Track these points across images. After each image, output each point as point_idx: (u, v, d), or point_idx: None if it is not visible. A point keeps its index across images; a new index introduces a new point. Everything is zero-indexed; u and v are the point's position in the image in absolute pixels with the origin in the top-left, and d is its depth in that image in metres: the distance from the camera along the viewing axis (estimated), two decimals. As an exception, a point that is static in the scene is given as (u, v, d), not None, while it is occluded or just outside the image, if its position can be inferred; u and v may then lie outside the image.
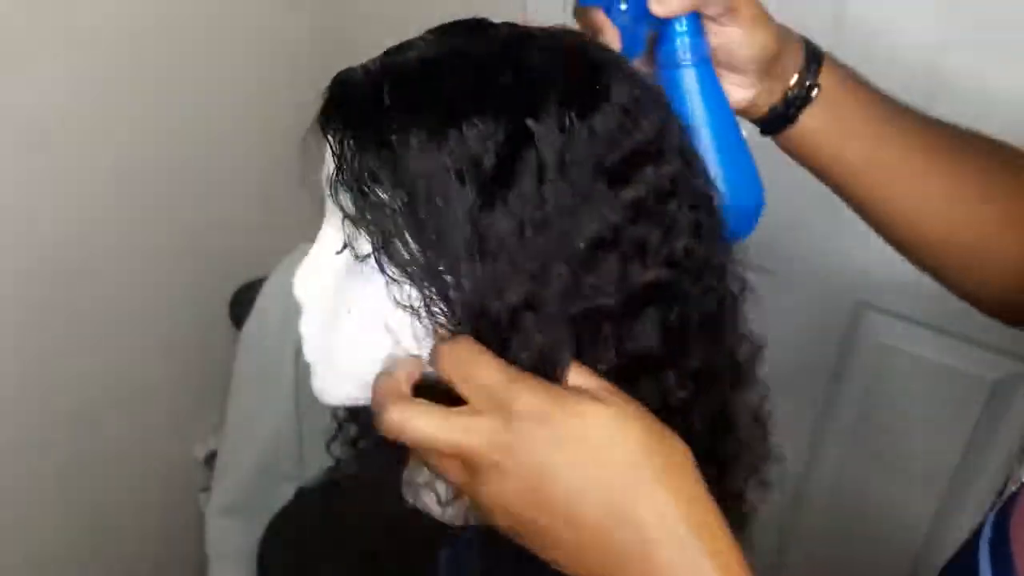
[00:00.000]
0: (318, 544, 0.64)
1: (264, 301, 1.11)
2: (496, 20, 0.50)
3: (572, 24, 0.52)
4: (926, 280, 0.98)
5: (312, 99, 0.47)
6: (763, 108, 0.56)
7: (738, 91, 0.55)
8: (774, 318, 1.17)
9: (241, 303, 1.20)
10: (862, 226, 1.03)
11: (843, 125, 0.56)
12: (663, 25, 0.50)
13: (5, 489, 1.05)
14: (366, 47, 0.50)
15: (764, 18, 0.52)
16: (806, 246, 1.04)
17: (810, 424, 1.15)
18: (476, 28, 0.47)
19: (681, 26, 0.50)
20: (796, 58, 0.55)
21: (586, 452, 0.39)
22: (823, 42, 0.57)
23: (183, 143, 1.08)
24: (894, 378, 1.05)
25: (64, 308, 1.03)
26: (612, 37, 0.51)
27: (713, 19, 0.51)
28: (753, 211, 0.54)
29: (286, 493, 1.14)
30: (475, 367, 0.41)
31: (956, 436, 1.03)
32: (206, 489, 1.22)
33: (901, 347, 1.03)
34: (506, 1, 1.04)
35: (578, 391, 0.42)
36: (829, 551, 1.21)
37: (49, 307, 1.01)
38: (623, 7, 0.50)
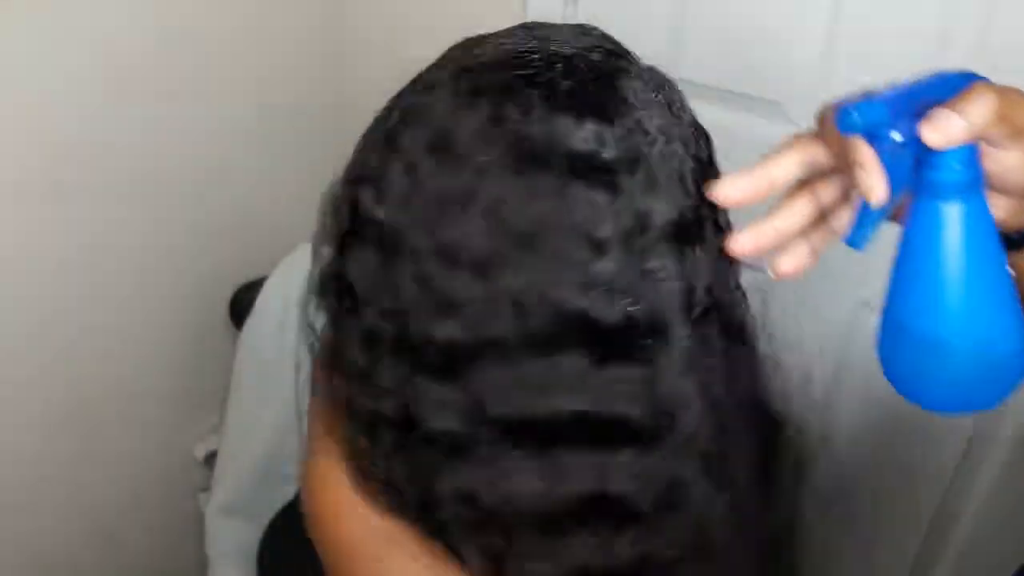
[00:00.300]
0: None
1: (264, 301, 1.11)
2: (496, 20, 0.50)
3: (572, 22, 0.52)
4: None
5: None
6: (1013, 225, 0.46)
7: (998, 212, 0.44)
8: (773, 318, 1.17)
9: (241, 303, 1.20)
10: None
11: None
12: (933, 152, 0.40)
13: (5, 489, 1.05)
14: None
15: None
16: (806, 246, 1.04)
17: (812, 425, 1.14)
18: None
19: (956, 156, 0.39)
20: None
21: None
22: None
23: (183, 143, 1.08)
24: (894, 378, 1.05)
25: (64, 308, 1.03)
26: (873, 168, 0.39)
27: (993, 143, 0.41)
28: (1015, 360, 0.43)
29: (286, 493, 1.14)
30: None
31: (956, 436, 1.03)
32: (206, 489, 1.22)
33: (901, 347, 1.02)
34: (506, 1, 1.04)
35: None
36: (828, 552, 1.21)
37: (49, 307, 1.01)
38: (897, 138, 0.39)
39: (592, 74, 0.46)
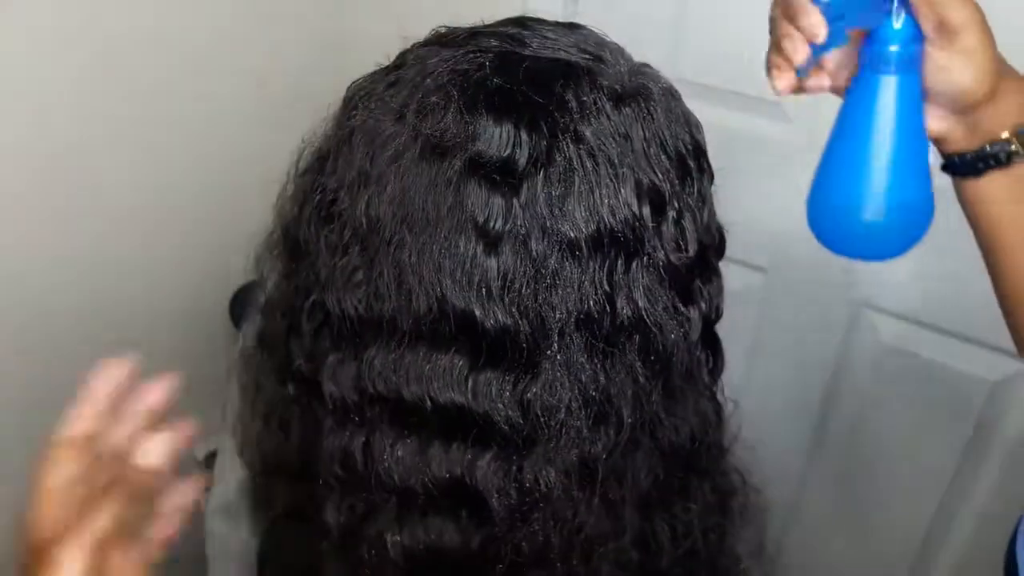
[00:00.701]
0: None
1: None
2: (497, 18, 0.50)
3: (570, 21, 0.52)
4: (926, 280, 0.98)
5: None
6: (952, 147, 0.50)
7: (929, 121, 0.48)
8: (774, 318, 1.18)
9: (241, 303, 1.20)
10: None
11: None
12: (876, 23, 0.45)
13: (5, 489, 1.05)
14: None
15: (986, 53, 0.45)
16: (806, 246, 1.04)
17: (810, 424, 1.15)
18: None
19: (897, 26, 0.44)
20: (1014, 112, 0.47)
21: None
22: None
23: (183, 143, 1.08)
24: (894, 378, 1.05)
25: (64, 308, 1.03)
26: (814, 21, 0.44)
27: (925, 39, 0.45)
28: (915, 235, 0.50)
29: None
30: None
31: (956, 436, 1.03)
32: (206, 489, 1.22)
33: (901, 347, 1.03)
34: (506, 1, 1.04)
35: None
36: (828, 550, 1.21)
37: (49, 307, 1.01)
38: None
39: (538, 76, 0.46)
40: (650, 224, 0.47)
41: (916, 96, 0.46)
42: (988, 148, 0.48)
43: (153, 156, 1.05)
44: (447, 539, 0.50)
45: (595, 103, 0.46)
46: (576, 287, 0.46)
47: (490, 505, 0.48)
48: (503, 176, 0.44)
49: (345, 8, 1.22)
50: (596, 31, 0.52)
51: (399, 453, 0.49)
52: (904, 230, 0.50)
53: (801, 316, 1.09)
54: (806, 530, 1.21)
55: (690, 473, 0.55)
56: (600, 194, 0.45)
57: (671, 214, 0.48)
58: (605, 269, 0.46)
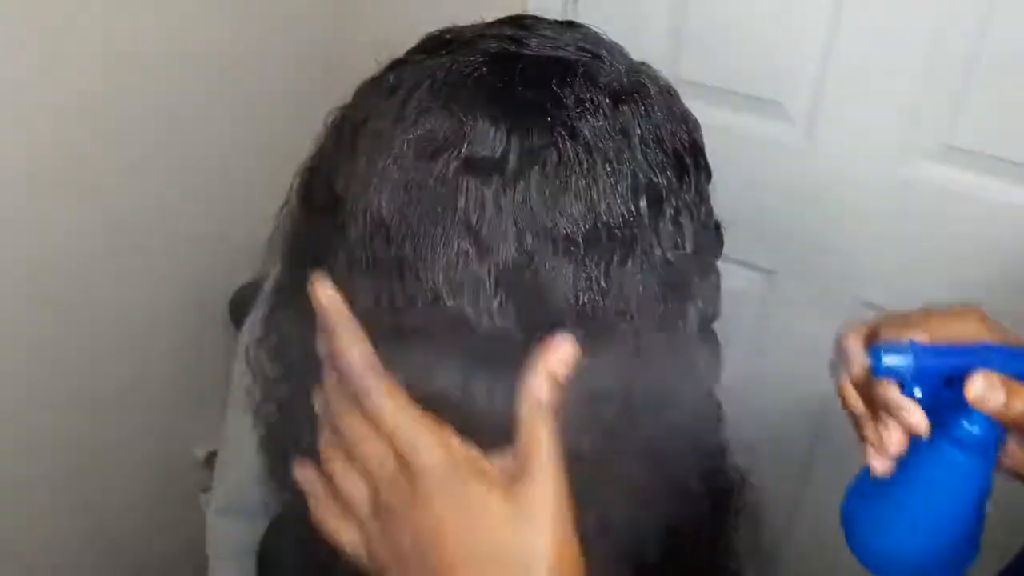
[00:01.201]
0: (319, 544, 0.64)
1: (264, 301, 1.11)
2: (496, 18, 0.50)
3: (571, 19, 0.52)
4: (926, 280, 0.98)
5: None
6: None
7: (1016, 451, 0.50)
8: (775, 318, 1.17)
9: (241, 303, 1.20)
10: (862, 226, 1.03)
11: None
12: (966, 406, 0.46)
13: (5, 490, 1.05)
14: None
15: None
16: (806, 246, 1.04)
17: (810, 424, 1.14)
18: None
19: (986, 419, 0.45)
20: None
21: (485, 526, 0.39)
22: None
23: (184, 142, 1.08)
24: (894, 378, 1.05)
25: (64, 308, 1.03)
26: (909, 411, 0.47)
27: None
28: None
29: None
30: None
31: (956, 436, 1.03)
32: (206, 489, 1.22)
33: (901, 347, 1.02)
34: (506, 1, 1.04)
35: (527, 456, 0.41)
36: (828, 550, 1.21)
37: (49, 307, 1.01)
38: (917, 395, 0.47)
39: (534, 75, 0.46)
40: (647, 221, 0.47)
41: (988, 475, 0.48)
42: None
43: (153, 156, 1.05)
44: None
45: (592, 100, 0.46)
46: (571, 283, 0.46)
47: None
48: (496, 175, 0.44)
49: (346, 8, 1.22)
50: (595, 29, 0.52)
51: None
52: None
53: (802, 316, 1.09)
54: (806, 530, 1.21)
55: (685, 472, 0.55)
56: (597, 190, 0.45)
57: (668, 211, 0.48)
58: (601, 266, 0.46)
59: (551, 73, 0.46)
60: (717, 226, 0.54)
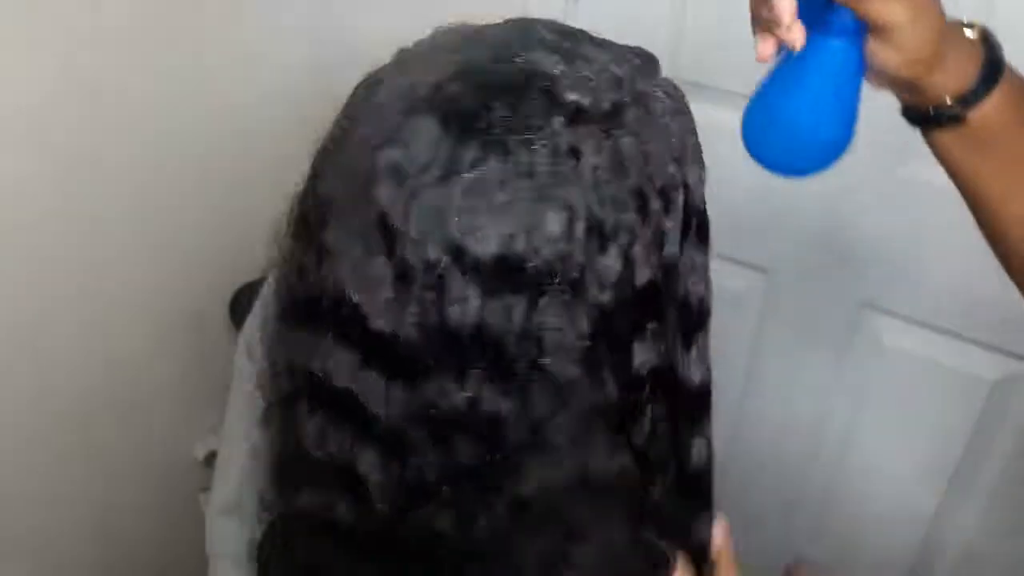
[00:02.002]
0: (319, 544, 0.64)
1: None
2: (497, 17, 0.50)
3: (572, 22, 0.52)
4: (926, 280, 0.98)
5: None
6: (903, 101, 0.55)
7: (877, 82, 0.54)
8: (775, 318, 1.17)
9: (241, 303, 1.20)
10: (862, 226, 1.03)
11: (985, 157, 0.54)
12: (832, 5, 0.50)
13: (5, 489, 1.05)
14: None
15: (919, 48, 0.50)
16: (806, 246, 1.04)
17: (810, 424, 1.15)
18: None
19: (847, 11, 0.50)
20: (954, 80, 0.51)
21: None
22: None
23: (184, 143, 1.09)
24: (894, 378, 1.05)
25: (64, 308, 1.03)
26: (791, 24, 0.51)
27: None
28: (826, 163, 0.58)
29: (286, 493, 1.13)
30: None
31: (956, 436, 1.03)
32: (206, 489, 1.22)
33: (901, 347, 1.03)
34: (506, 1, 1.04)
35: None
36: (828, 551, 1.21)
37: (49, 307, 1.01)
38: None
39: (491, 86, 0.45)
40: (581, 258, 0.44)
41: (860, 59, 0.52)
42: (931, 111, 0.53)
43: (153, 156, 1.05)
44: (336, 513, 0.52)
45: (542, 119, 0.43)
46: (477, 307, 0.43)
47: (371, 495, 0.49)
48: (417, 177, 0.43)
49: (346, 7, 1.22)
50: (614, 41, 0.50)
51: (308, 427, 0.50)
52: (822, 158, 0.57)
53: (801, 316, 1.09)
54: (806, 531, 1.21)
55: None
56: (517, 216, 0.43)
57: (613, 250, 0.44)
58: (508, 296, 0.43)
59: (509, 85, 0.44)
60: (678, 266, 0.49)
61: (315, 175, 0.49)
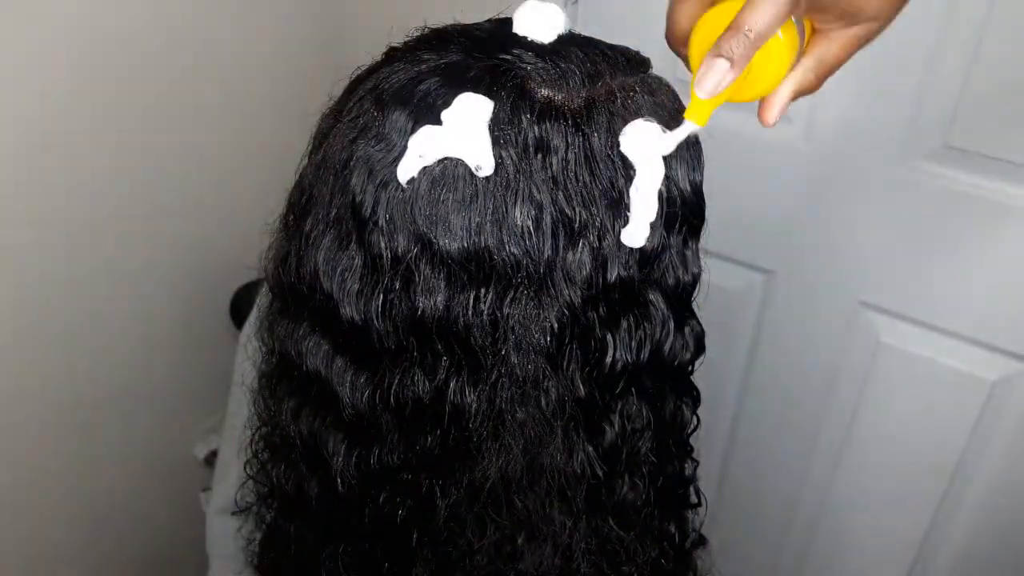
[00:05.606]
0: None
1: (264, 301, 1.11)
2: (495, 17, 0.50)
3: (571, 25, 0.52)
4: (926, 280, 0.98)
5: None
6: None
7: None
8: (775, 318, 1.17)
9: (241, 303, 1.20)
10: (862, 226, 1.03)
11: None
12: None
13: (5, 489, 1.05)
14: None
15: None
16: (806, 246, 1.04)
17: (809, 424, 1.15)
18: None
19: None
20: None
21: None
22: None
23: (184, 142, 1.09)
24: (894, 378, 1.05)
25: (64, 308, 1.03)
26: None
27: None
28: None
29: (286, 493, 1.14)
30: None
31: (956, 436, 1.03)
32: (206, 489, 1.22)
33: (901, 347, 1.03)
34: (507, 1, 1.04)
35: None
36: (828, 551, 1.21)
37: (49, 307, 1.01)
38: None
39: (468, 80, 0.44)
40: (549, 255, 0.43)
41: None
42: None
43: (153, 156, 1.06)
44: (308, 490, 0.54)
45: (514, 110, 0.43)
46: (442, 300, 0.44)
47: (337, 486, 0.51)
48: (385, 170, 0.44)
49: (348, 6, 1.22)
50: (599, 40, 0.49)
51: (284, 406, 0.53)
52: None
53: (801, 316, 1.09)
54: (805, 530, 1.21)
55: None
56: (484, 207, 0.43)
57: (584, 247, 0.44)
58: (474, 291, 0.44)
59: (483, 79, 0.44)
60: (650, 264, 0.48)
61: (305, 168, 0.51)
